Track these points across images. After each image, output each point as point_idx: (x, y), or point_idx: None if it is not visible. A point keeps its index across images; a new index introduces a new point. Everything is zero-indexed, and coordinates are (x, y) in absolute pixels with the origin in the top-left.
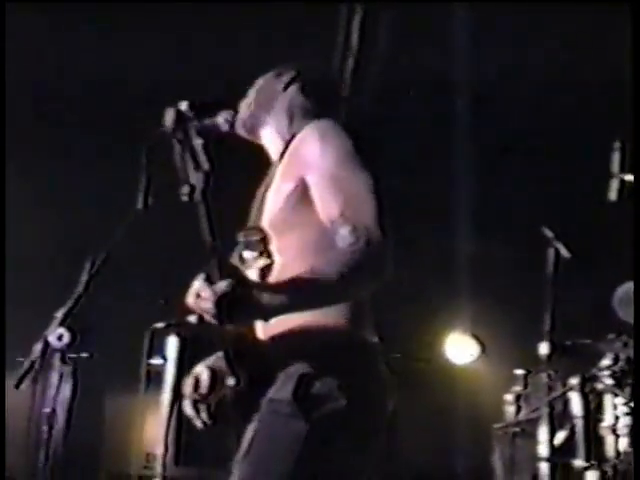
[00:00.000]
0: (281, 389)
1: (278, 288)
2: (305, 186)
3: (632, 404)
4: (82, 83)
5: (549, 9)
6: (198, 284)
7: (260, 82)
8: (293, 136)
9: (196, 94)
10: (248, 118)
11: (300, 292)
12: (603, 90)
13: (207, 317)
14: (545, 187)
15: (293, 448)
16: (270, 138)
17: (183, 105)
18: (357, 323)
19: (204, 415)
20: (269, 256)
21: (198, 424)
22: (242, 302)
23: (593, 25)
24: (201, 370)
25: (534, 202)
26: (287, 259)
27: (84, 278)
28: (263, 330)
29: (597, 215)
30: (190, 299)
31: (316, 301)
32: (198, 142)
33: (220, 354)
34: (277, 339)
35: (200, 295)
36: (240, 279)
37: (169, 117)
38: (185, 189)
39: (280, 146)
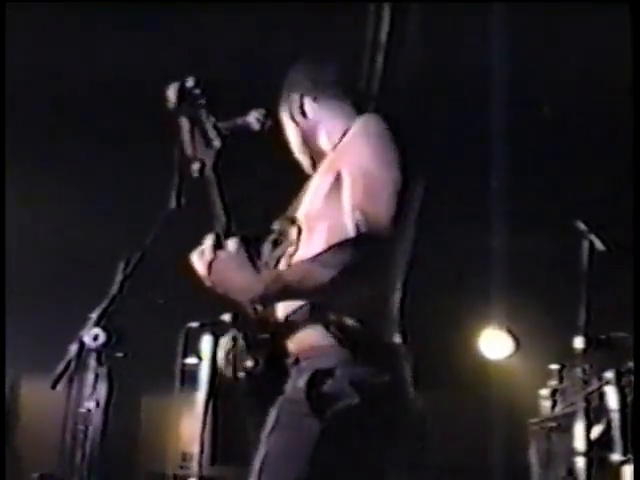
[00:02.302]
0: (296, 387)
1: (275, 275)
2: (340, 180)
3: None
4: (114, 81)
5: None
6: (207, 242)
7: (293, 107)
8: (347, 129)
9: (225, 93)
10: (308, 131)
11: (293, 283)
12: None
13: (203, 275)
14: (579, 180)
15: (308, 448)
16: (322, 133)
17: (189, 81)
18: (378, 324)
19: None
20: (297, 247)
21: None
22: (234, 277)
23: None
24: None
25: (568, 195)
26: (314, 249)
27: (119, 278)
28: (281, 308)
29: (632, 207)
30: (195, 255)
31: (307, 295)
32: (210, 120)
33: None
34: (295, 322)
35: (202, 255)
36: (243, 251)
37: (172, 92)
38: (195, 165)
39: (332, 138)
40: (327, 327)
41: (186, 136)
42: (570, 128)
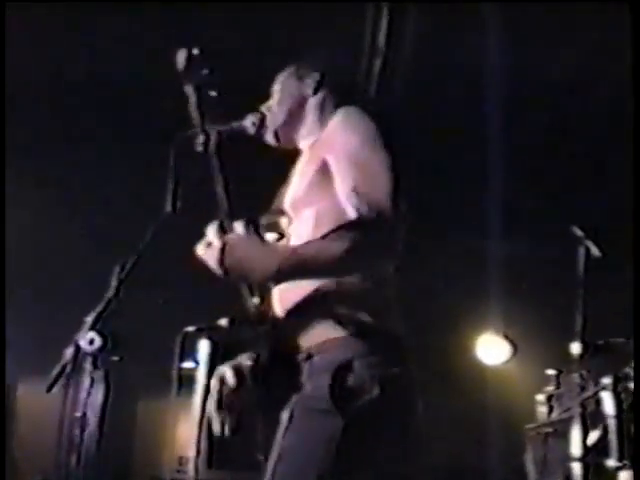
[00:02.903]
0: (314, 383)
1: (290, 251)
2: (326, 166)
3: None
4: (110, 83)
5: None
6: (210, 232)
7: (281, 87)
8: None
9: (223, 92)
10: (282, 127)
11: (310, 258)
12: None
13: (212, 266)
14: (575, 186)
15: (331, 445)
16: (305, 141)
17: (195, 50)
18: (385, 315)
19: (228, 423)
20: (288, 237)
21: (217, 429)
22: (249, 257)
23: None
24: (224, 370)
25: (565, 201)
26: (303, 231)
27: (114, 282)
28: (280, 304)
29: (629, 212)
30: (200, 249)
31: (322, 270)
32: (212, 94)
33: (245, 355)
34: (294, 317)
35: (210, 244)
36: (251, 231)
37: (180, 57)
38: (200, 138)
39: (311, 140)
40: (336, 320)
41: (193, 106)
42: (568, 132)
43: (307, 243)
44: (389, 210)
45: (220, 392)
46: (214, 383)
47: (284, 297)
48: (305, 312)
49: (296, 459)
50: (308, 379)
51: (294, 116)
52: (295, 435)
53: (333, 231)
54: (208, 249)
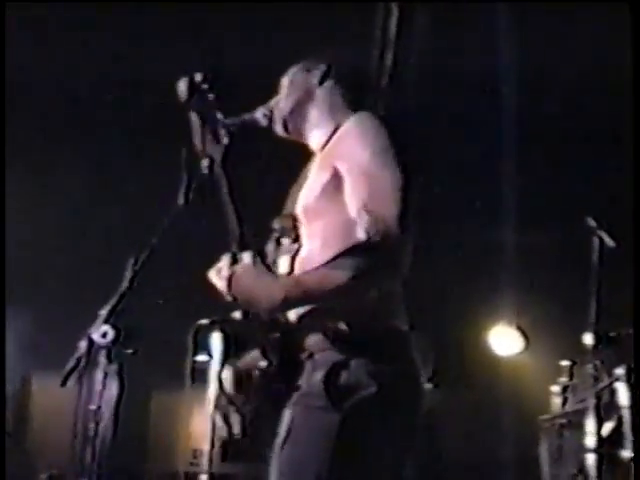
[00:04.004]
0: (312, 381)
1: (294, 283)
2: (337, 175)
3: None
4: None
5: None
6: (223, 260)
7: (289, 79)
8: (337, 127)
9: (231, 88)
10: (289, 116)
11: (313, 287)
12: None
13: (224, 292)
14: (588, 176)
15: (328, 441)
16: (314, 133)
17: (197, 76)
18: (387, 311)
19: (236, 425)
20: (300, 243)
21: (223, 433)
22: (251, 289)
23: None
24: (226, 375)
25: (578, 192)
26: (313, 246)
27: (128, 275)
28: (294, 310)
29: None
30: (212, 274)
31: (327, 297)
32: (218, 116)
33: (251, 353)
34: (307, 321)
35: (220, 272)
36: (258, 257)
37: (182, 87)
38: (205, 162)
39: (323, 138)
40: (339, 319)
41: (196, 132)
42: (581, 124)
43: (311, 272)
44: (396, 231)
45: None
46: (214, 387)
47: None
48: (317, 318)
49: (297, 456)
50: (308, 377)
51: (302, 106)
52: (295, 432)
53: (339, 255)
54: (218, 277)
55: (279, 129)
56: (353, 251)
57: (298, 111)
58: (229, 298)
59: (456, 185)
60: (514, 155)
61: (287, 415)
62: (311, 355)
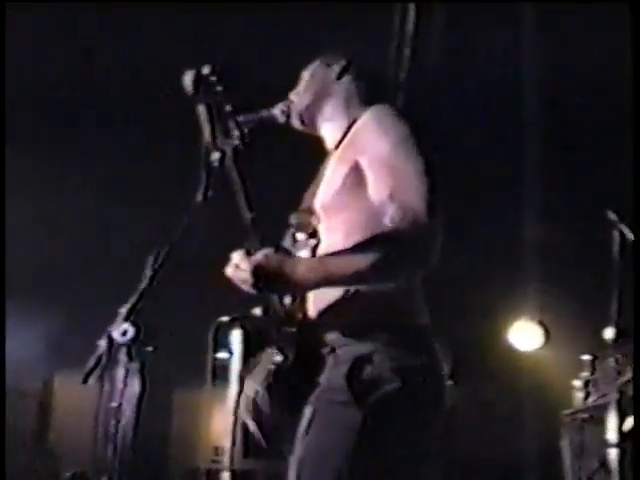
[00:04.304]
0: (334, 376)
1: (318, 262)
2: (359, 169)
3: None
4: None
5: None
6: (237, 256)
7: (310, 73)
8: (353, 122)
9: (249, 84)
10: (305, 110)
11: (341, 268)
12: None
13: (245, 287)
14: (610, 170)
15: (351, 437)
16: (328, 127)
17: (205, 69)
18: (408, 306)
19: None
20: (318, 238)
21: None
22: (278, 273)
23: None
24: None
25: (599, 186)
26: (335, 239)
27: (148, 273)
28: (313, 306)
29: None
30: (229, 270)
31: (357, 278)
32: (227, 108)
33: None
34: (326, 317)
35: (238, 266)
36: (278, 249)
37: (188, 79)
38: (215, 155)
39: (338, 133)
40: (362, 315)
41: (204, 125)
42: (602, 118)
43: (336, 253)
44: (425, 218)
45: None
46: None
47: (318, 298)
48: (337, 312)
49: (319, 451)
50: (330, 372)
51: (319, 100)
52: (317, 428)
53: (366, 242)
54: (238, 271)
55: (296, 122)
56: (381, 237)
57: (315, 105)
58: (251, 291)
59: (477, 179)
60: (536, 150)
61: (308, 410)
62: (333, 350)
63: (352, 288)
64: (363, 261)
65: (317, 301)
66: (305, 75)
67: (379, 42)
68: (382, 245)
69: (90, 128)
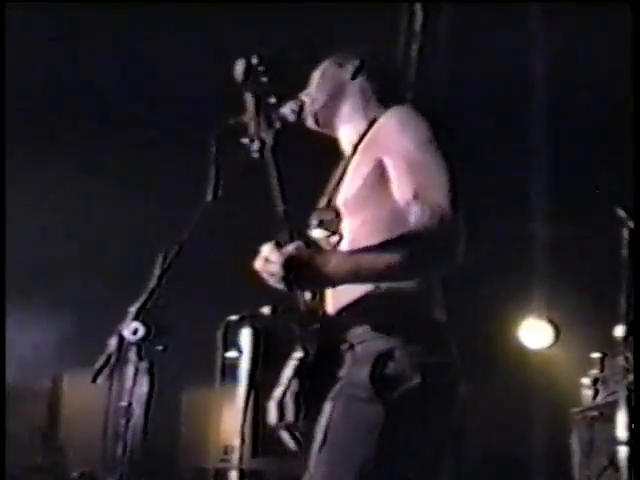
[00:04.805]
0: (355, 373)
1: (348, 257)
2: (382, 168)
3: None
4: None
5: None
6: (267, 249)
7: (321, 72)
8: (373, 121)
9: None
10: (321, 111)
11: (370, 263)
12: None
13: (274, 281)
14: (619, 168)
15: (372, 434)
16: (345, 128)
17: (254, 58)
18: (428, 303)
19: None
20: (340, 235)
21: (291, 446)
22: (310, 267)
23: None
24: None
25: (608, 183)
26: (359, 237)
27: (157, 272)
28: (332, 303)
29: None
30: (259, 263)
31: (385, 274)
32: (272, 100)
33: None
34: (346, 314)
35: (268, 259)
36: (309, 244)
37: (239, 67)
38: (256, 145)
39: (355, 133)
40: (381, 312)
41: (250, 114)
42: (611, 115)
43: (366, 249)
44: (451, 217)
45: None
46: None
47: (337, 296)
48: (356, 309)
49: (339, 448)
50: (350, 368)
51: (334, 100)
52: (338, 424)
53: (396, 238)
54: (267, 264)
55: (310, 122)
56: (409, 235)
57: (330, 105)
58: (279, 285)
59: (487, 177)
60: (544, 148)
61: (328, 407)
62: (352, 347)
63: (372, 285)
64: (394, 258)
65: (336, 297)
66: (316, 75)
67: (387, 40)
68: (411, 243)
69: (104, 129)
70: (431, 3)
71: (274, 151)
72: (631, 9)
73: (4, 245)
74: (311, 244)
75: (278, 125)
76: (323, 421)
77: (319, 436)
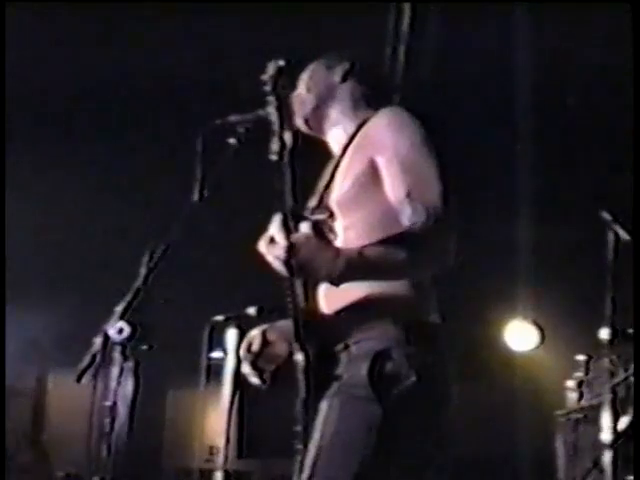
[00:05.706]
0: (353, 372)
1: (356, 254)
2: (375, 167)
3: None
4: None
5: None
6: (274, 227)
7: (309, 75)
8: (362, 123)
9: (245, 84)
10: (311, 113)
11: (369, 262)
12: None
13: (276, 265)
14: (605, 170)
15: (370, 432)
16: (334, 130)
17: (281, 61)
18: (421, 303)
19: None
20: (334, 234)
21: (255, 381)
22: (314, 257)
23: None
24: (254, 334)
25: (594, 186)
26: (352, 237)
27: (143, 271)
28: (328, 304)
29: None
30: (262, 244)
31: (383, 273)
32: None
33: (278, 324)
34: (341, 315)
35: (274, 240)
36: (318, 232)
37: (271, 69)
38: (276, 146)
39: (344, 135)
40: (377, 313)
41: (273, 115)
42: (596, 118)
43: (371, 246)
44: (443, 217)
45: (250, 354)
46: (244, 346)
47: (332, 297)
48: (351, 309)
49: (337, 447)
50: (347, 368)
51: (323, 103)
52: (335, 423)
53: (392, 237)
54: (272, 246)
55: (300, 124)
56: (404, 235)
57: (320, 108)
58: (281, 270)
59: (472, 178)
60: (529, 150)
61: (324, 405)
62: (347, 347)
63: (367, 285)
64: (395, 256)
65: (331, 297)
66: (304, 77)
67: (374, 43)
68: (407, 242)
69: (90, 129)
70: (419, 3)
71: (292, 153)
72: (631, 9)
73: (4, 245)
74: (318, 232)
75: (296, 127)
76: (320, 420)
77: (316, 435)
